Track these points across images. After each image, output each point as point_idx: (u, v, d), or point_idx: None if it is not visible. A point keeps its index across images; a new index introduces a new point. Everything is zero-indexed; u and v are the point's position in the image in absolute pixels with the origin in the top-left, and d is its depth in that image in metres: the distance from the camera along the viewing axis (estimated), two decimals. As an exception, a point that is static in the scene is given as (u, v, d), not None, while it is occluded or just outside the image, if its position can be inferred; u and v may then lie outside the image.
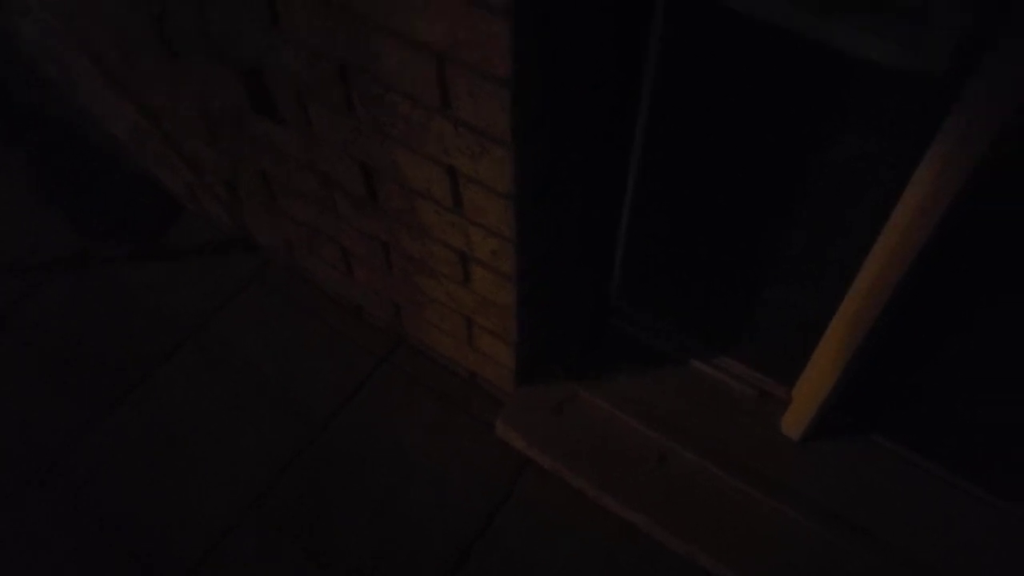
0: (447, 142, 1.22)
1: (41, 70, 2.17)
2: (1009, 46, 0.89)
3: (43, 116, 2.51)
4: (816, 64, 1.08)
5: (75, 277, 2.19)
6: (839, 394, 1.58)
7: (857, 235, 1.26)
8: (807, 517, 1.60)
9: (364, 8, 1.10)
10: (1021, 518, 1.58)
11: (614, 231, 1.65)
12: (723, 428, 1.73)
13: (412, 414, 1.92)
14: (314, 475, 1.83)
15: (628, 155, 1.45)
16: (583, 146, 1.37)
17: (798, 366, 1.62)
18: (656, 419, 1.74)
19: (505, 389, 1.85)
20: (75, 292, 2.16)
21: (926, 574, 1.53)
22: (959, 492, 1.63)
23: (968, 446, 1.57)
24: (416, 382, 1.98)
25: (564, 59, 1.11)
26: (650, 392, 1.78)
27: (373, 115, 1.29)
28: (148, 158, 2.21)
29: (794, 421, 1.68)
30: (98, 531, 1.75)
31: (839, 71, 1.07)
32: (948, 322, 1.34)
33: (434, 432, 1.89)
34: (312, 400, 1.95)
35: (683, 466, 1.70)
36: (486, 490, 1.79)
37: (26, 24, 1.98)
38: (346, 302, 2.10)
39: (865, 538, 1.57)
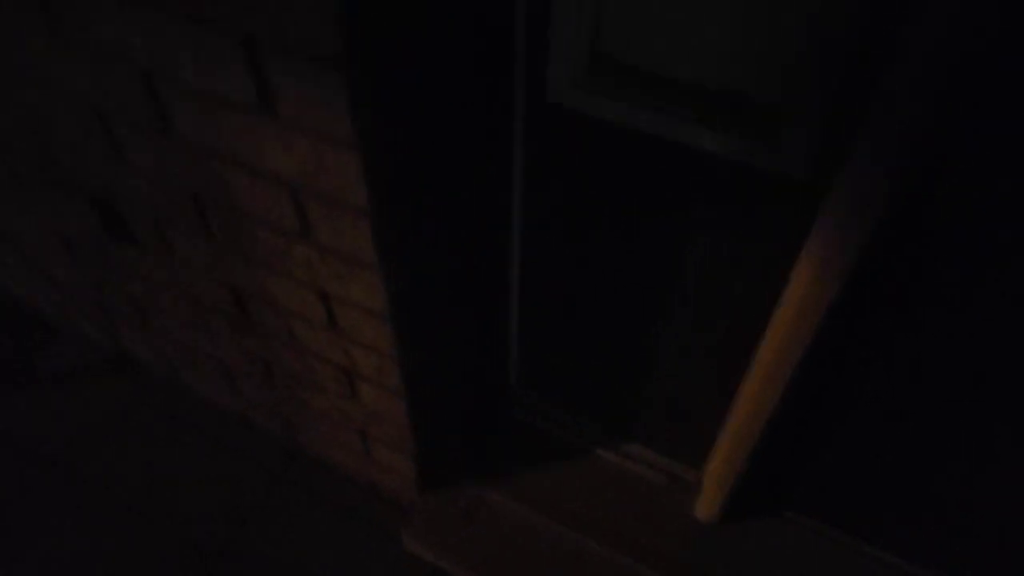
0: (313, 267, 1.16)
1: None
2: (866, 150, 0.89)
3: None
4: (677, 162, 1.07)
5: (-68, 415, 2.01)
6: (749, 474, 1.56)
7: (743, 326, 1.26)
8: (727, 605, 1.56)
9: (209, 140, 1.03)
10: (933, 582, 1.58)
11: (504, 325, 1.61)
12: (635, 518, 1.68)
13: (315, 533, 1.81)
14: (209, 614, 1.69)
15: (508, 253, 1.42)
16: (459, 253, 1.33)
17: (705, 448, 1.60)
18: (567, 515, 1.68)
19: (409, 497, 1.76)
20: (-68, 432, 1.97)
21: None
22: (872, 560, 1.62)
23: (879, 515, 1.56)
24: (316, 497, 1.87)
25: (426, 179, 1.07)
26: (559, 486, 1.72)
27: (234, 241, 1.22)
28: (10, 278, 2.06)
29: (707, 504, 1.64)
30: None
31: (703, 168, 1.06)
32: (848, 401, 1.34)
33: (340, 550, 1.78)
34: (206, 528, 1.81)
35: (599, 562, 1.64)
36: (398, 608, 1.69)
37: None
38: (236, 417, 1.98)
39: (786, 621, 1.54)
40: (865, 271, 1.06)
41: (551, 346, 1.59)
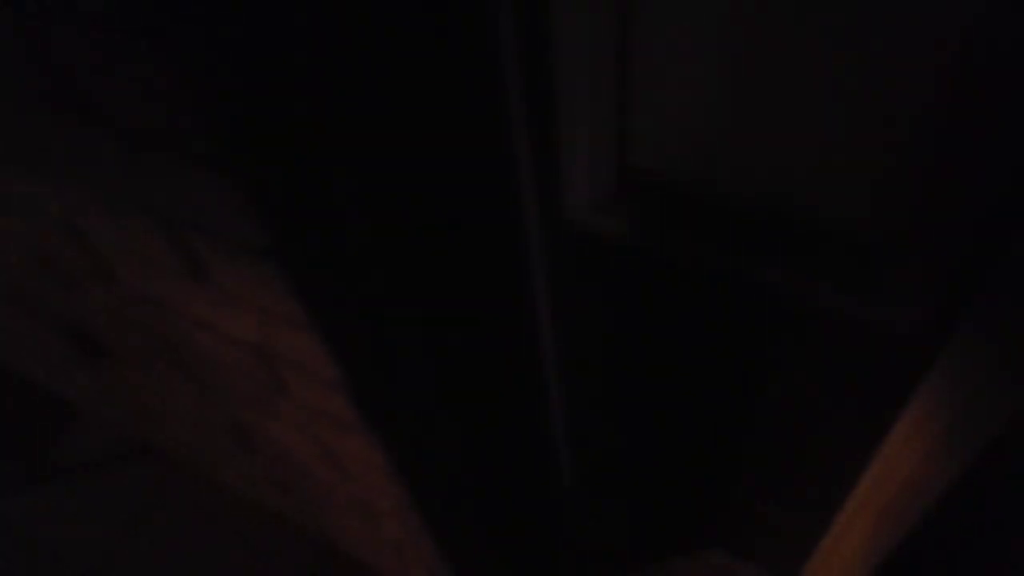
0: (302, 419, 0.97)
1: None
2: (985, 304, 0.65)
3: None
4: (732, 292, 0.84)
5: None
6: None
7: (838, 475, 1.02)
8: None
9: (154, 295, 0.85)
10: None
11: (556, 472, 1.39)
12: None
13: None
14: None
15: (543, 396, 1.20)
16: (474, 408, 1.11)
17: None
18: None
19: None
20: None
21: None
22: None
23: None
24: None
25: (414, 338, 0.86)
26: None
27: (215, 382, 1.04)
28: (28, 361, 1.96)
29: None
30: None
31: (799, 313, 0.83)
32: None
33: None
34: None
35: None
36: None
37: None
38: (268, 512, 1.83)
39: None
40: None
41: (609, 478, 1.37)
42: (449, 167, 0.76)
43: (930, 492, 0.89)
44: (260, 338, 0.79)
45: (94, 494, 1.92)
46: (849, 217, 0.71)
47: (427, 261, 0.80)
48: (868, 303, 0.74)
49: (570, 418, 1.29)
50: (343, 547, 1.72)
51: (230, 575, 1.75)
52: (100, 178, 0.66)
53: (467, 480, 1.20)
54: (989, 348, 0.68)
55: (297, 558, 1.77)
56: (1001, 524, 0.92)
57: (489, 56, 0.74)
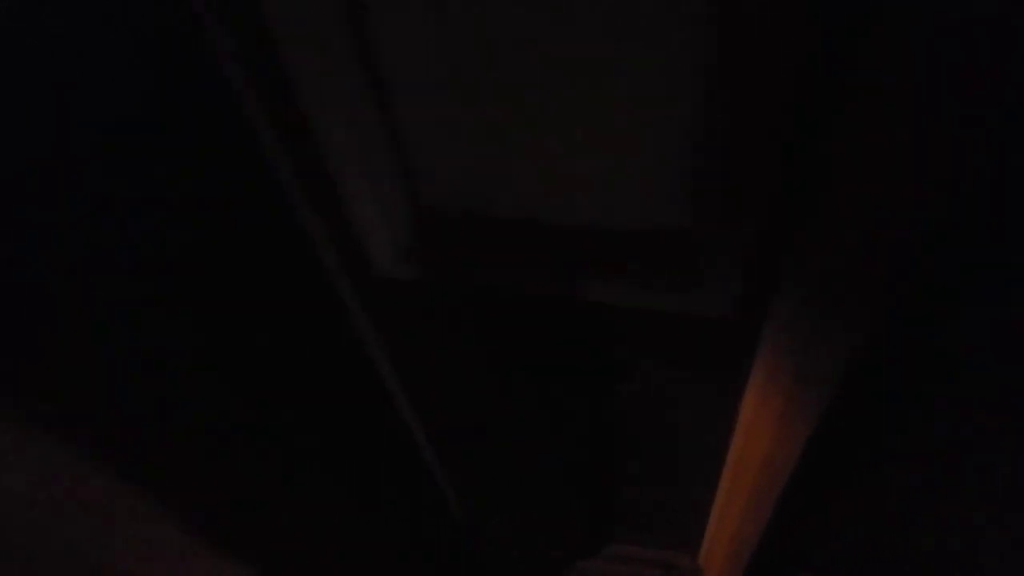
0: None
1: None
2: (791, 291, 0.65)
3: None
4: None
5: None
6: (755, 555, 1.34)
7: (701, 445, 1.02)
8: None
9: None
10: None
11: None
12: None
13: None
14: None
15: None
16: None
17: (695, 535, 1.38)
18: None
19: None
20: None
21: None
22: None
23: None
24: None
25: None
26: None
27: None
28: None
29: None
30: None
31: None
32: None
33: None
34: None
35: None
36: None
37: None
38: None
39: None
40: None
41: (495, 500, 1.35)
42: (249, 265, 0.71)
43: (785, 466, 0.91)
44: None
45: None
46: (647, 219, 0.70)
47: (252, 353, 0.74)
48: (685, 296, 0.73)
49: (443, 456, 1.26)
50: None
51: None
52: None
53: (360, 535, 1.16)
54: (800, 322, 0.69)
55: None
56: (849, 484, 0.95)
57: (257, 161, 0.69)
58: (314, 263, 0.79)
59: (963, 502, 0.92)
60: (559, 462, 1.18)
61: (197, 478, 0.71)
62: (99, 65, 0.54)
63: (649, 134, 0.62)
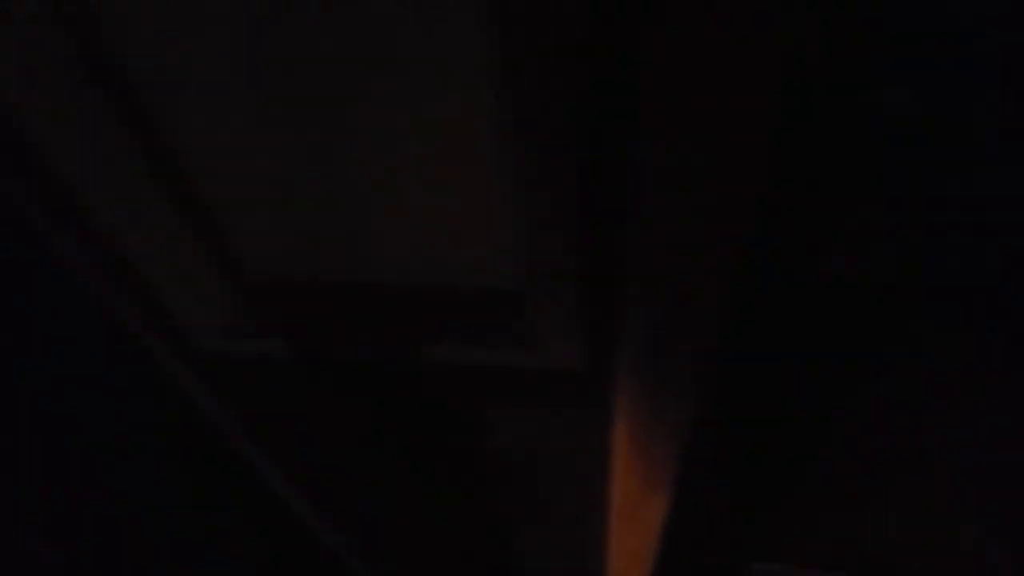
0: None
1: None
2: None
3: None
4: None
5: None
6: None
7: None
8: None
9: None
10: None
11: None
12: None
13: None
14: None
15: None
16: None
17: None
18: None
19: None
20: None
21: None
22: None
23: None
24: None
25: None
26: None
27: None
28: None
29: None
30: None
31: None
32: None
33: None
34: None
35: None
36: None
37: None
38: None
39: None
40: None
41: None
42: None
43: (657, 520, 0.91)
44: None
45: None
46: (479, 280, 0.69)
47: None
48: (530, 351, 0.73)
49: (336, 526, 1.22)
50: None
51: None
52: None
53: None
54: (645, 373, 0.69)
55: None
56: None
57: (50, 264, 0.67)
58: (133, 345, 0.77)
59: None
60: (445, 517, 1.16)
61: None
62: None
63: (455, 199, 0.62)
